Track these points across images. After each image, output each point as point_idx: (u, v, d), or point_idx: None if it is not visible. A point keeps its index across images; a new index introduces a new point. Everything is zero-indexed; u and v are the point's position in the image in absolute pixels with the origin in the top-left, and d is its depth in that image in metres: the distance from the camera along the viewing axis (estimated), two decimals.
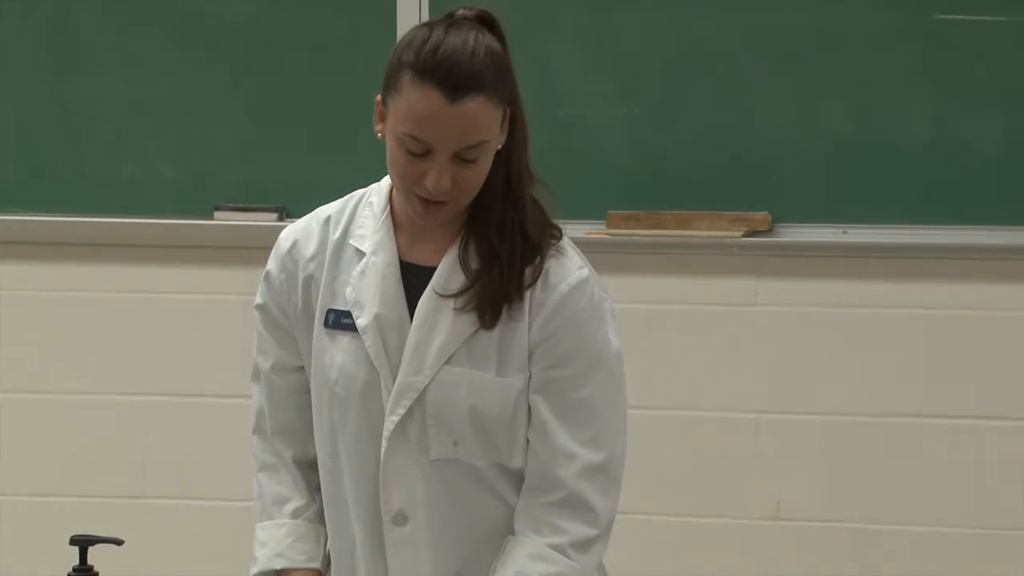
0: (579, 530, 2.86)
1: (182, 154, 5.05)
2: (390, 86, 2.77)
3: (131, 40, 5.05)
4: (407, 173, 2.76)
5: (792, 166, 4.82)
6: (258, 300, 3.01)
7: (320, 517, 3.01)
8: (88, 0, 5.05)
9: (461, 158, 2.74)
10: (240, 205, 4.94)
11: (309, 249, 2.94)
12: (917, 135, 4.77)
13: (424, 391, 2.83)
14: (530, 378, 2.86)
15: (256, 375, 3.04)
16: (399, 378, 2.84)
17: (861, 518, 4.86)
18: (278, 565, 2.97)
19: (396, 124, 2.75)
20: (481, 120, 2.73)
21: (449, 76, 2.70)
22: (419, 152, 2.73)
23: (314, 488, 3.02)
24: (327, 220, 2.96)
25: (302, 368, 2.98)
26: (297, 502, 3.01)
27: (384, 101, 2.80)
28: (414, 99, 2.72)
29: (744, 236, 4.81)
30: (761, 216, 4.81)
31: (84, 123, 5.09)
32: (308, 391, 2.98)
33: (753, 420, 4.91)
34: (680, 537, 4.89)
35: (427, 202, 2.78)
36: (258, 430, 3.04)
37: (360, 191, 3.00)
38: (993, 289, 4.77)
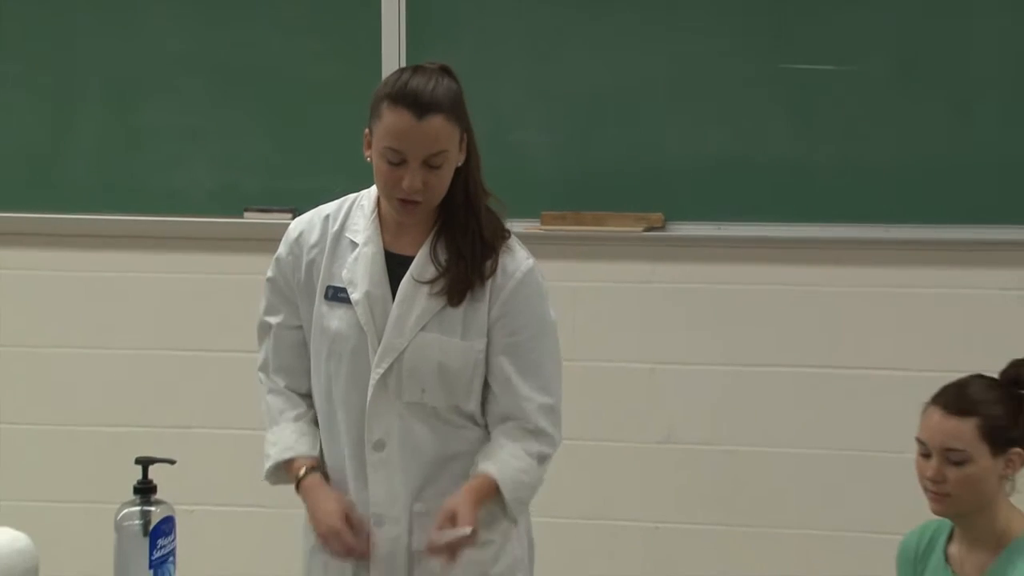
0: (541, 449, 2.97)
1: (218, 168, 5.05)
2: (373, 116, 2.84)
3: (180, 80, 5.04)
4: (389, 180, 2.82)
5: (680, 177, 4.83)
6: (269, 274, 3.06)
7: (315, 422, 3.04)
8: (147, 51, 5.04)
9: (429, 164, 2.81)
10: (263, 207, 4.94)
11: (312, 238, 2.99)
12: (772, 153, 4.78)
13: (403, 352, 2.88)
14: (489, 344, 2.92)
15: (266, 329, 3.07)
16: (383, 341, 2.88)
17: (731, 442, 4.90)
18: (288, 455, 3.00)
19: (379, 142, 2.82)
20: (442, 134, 2.80)
21: (416, 101, 2.78)
22: (396, 161, 2.80)
23: (308, 404, 3.05)
24: (327, 217, 3.01)
25: (300, 327, 3.01)
26: (297, 410, 3.05)
27: (370, 130, 2.84)
28: (391, 120, 2.79)
29: (644, 231, 4.82)
30: (656, 216, 4.81)
31: (144, 144, 5.08)
32: (304, 344, 3.03)
33: (650, 368, 4.93)
34: (596, 457, 4.93)
35: (405, 202, 2.84)
36: (263, 368, 3.10)
37: (353, 195, 3.05)
38: (829, 270, 4.80)
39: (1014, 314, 4.68)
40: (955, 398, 2.98)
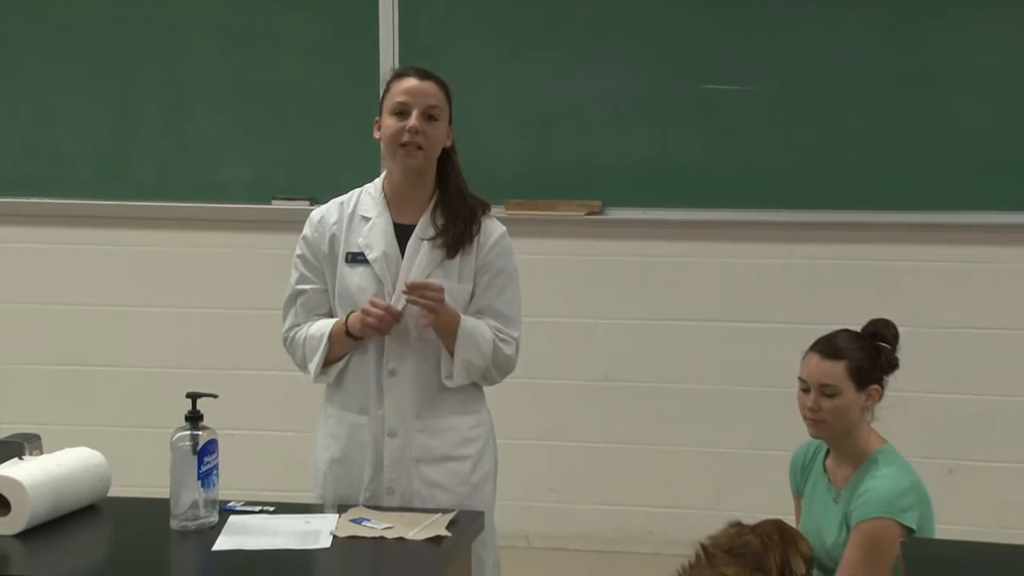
0: (504, 347, 2.98)
1: (251, 165, 5.03)
2: (383, 100, 2.94)
3: (221, 96, 5.04)
4: (396, 131, 2.89)
5: (615, 173, 4.84)
6: (298, 252, 3.06)
7: None
8: (194, 72, 5.03)
9: (427, 115, 2.85)
10: (287, 196, 4.94)
11: (332, 219, 3.02)
12: (687, 153, 4.79)
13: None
14: (473, 287, 2.96)
15: (296, 296, 3.04)
16: (398, 287, 2.89)
17: (655, 380, 4.92)
18: (335, 319, 2.95)
19: (388, 104, 2.91)
20: (438, 96, 2.93)
21: (419, 70, 2.92)
22: (402, 111, 2.86)
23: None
24: (341, 203, 3.05)
25: (327, 290, 2.99)
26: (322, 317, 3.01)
27: (380, 114, 2.94)
28: (399, 85, 2.92)
29: (586, 215, 4.83)
30: (596, 203, 4.83)
31: (192, 146, 5.07)
32: (329, 304, 2.99)
33: (592, 323, 4.95)
34: (550, 392, 4.95)
35: (409, 147, 2.86)
36: (294, 325, 3.05)
37: (359, 188, 3.05)
38: (732, 246, 4.83)
39: (860, 283, 4.73)
40: (829, 346, 3.02)
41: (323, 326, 2.96)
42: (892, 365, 3.04)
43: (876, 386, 3.00)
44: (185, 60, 5.05)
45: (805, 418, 3.03)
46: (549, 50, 4.84)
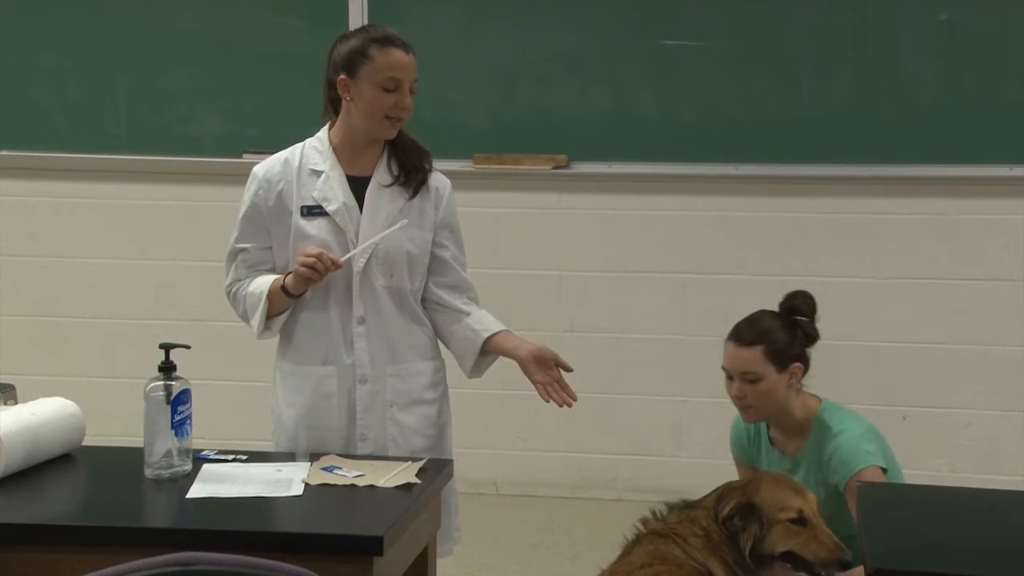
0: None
1: (223, 119, 5.01)
2: (356, 63, 2.83)
3: (193, 51, 5.00)
4: (384, 104, 2.83)
5: (580, 127, 4.84)
6: (243, 211, 2.97)
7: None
8: (167, 28, 4.98)
9: (410, 90, 2.84)
10: (258, 150, 4.88)
11: (275, 174, 2.93)
12: (649, 108, 4.80)
13: (378, 243, 2.85)
14: (435, 236, 2.94)
15: (236, 253, 2.97)
16: (361, 236, 2.85)
17: (617, 331, 4.95)
18: (271, 281, 2.88)
19: (376, 75, 2.82)
20: (415, 67, 2.87)
21: (402, 42, 2.86)
22: (393, 88, 2.82)
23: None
24: (285, 159, 2.97)
25: (270, 248, 2.93)
26: (264, 273, 2.95)
27: (351, 76, 2.83)
28: (388, 58, 2.83)
29: (552, 169, 4.83)
30: (562, 157, 4.83)
31: (165, 101, 5.04)
32: (269, 262, 2.94)
33: (557, 275, 4.96)
34: None
35: (393, 120, 2.84)
36: (235, 281, 2.98)
37: (300, 143, 2.98)
38: (691, 199, 4.85)
39: (817, 235, 4.72)
40: (745, 332, 2.95)
41: (262, 284, 2.89)
42: (811, 337, 2.96)
43: (797, 363, 2.93)
44: (158, 15, 5.00)
45: (735, 404, 2.97)
46: (511, 5, 4.82)
